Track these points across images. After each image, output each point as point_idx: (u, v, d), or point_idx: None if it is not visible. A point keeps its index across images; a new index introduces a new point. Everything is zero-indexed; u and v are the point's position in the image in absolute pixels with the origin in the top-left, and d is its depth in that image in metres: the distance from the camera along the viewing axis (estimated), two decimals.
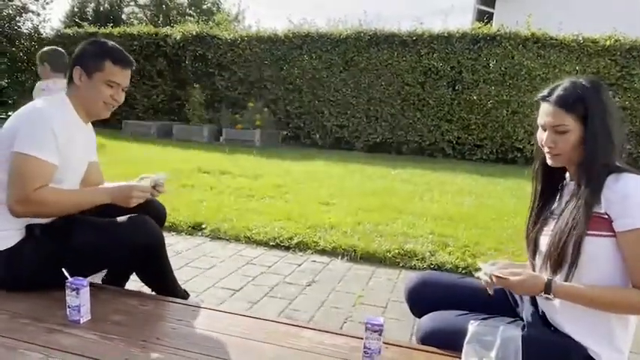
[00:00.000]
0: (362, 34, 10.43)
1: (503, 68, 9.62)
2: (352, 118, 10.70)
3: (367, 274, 3.28)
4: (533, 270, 1.57)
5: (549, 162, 1.50)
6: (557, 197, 1.57)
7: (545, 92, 1.46)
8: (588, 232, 1.37)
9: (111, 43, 1.93)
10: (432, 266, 3.40)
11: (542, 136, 1.48)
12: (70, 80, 1.89)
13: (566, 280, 1.42)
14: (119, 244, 1.87)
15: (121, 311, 1.74)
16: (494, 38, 9.69)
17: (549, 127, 1.44)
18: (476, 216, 4.67)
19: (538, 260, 1.55)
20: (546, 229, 1.53)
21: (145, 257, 1.96)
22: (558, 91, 1.42)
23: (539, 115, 1.48)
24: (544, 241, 1.52)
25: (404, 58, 10.19)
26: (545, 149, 1.48)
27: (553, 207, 1.57)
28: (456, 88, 9.99)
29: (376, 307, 2.74)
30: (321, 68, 10.77)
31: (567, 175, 1.57)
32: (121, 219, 1.90)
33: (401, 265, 3.45)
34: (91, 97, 1.88)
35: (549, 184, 1.59)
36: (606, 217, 1.35)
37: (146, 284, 2.12)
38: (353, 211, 4.66)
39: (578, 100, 1.39)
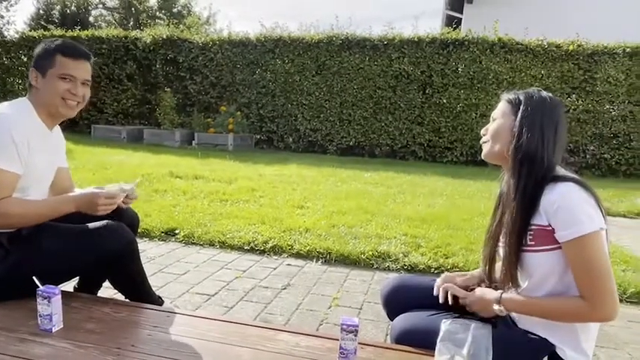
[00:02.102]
0: (334, 39, 10.51)
1: (471, 72, 9.85)
2: (325, 121, 10.76)
3: (342, 276, 3.31)
4: (489, 280, 1.61)
5: (483, 155, 1.59)
6: None
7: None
8: (539, 248, 1.40)
9: (62, 39, 1.88)
10: (406, 267, 3.46)
11: None
12: (30, 85, 1.85)
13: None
14: (90, 251, 1.84)
15: (95, 319, 1.71)
16: (462, 43, 9.91)
17: (491, 119, 1.57)
18: (447, 217, 4.76)
19: (497, 272, 1.58)
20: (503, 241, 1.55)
21: (118, 264, 1.93)
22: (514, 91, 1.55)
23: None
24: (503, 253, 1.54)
25: (375, 63, 10.31)
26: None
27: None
28: (427, 91, 10.18)
29: (351, 308, 2.77)
30: (294, 72, 10.79)
31: None
32: (92, 225, 1.87)
33: (375, 266, 3.49)
34: (47, 95, 1.82)
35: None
36: (550, 228, 1.36)
37: (119, 291, 2.10)
38: (327, 214, 4.69)
39: (519, 97, 1.49)
